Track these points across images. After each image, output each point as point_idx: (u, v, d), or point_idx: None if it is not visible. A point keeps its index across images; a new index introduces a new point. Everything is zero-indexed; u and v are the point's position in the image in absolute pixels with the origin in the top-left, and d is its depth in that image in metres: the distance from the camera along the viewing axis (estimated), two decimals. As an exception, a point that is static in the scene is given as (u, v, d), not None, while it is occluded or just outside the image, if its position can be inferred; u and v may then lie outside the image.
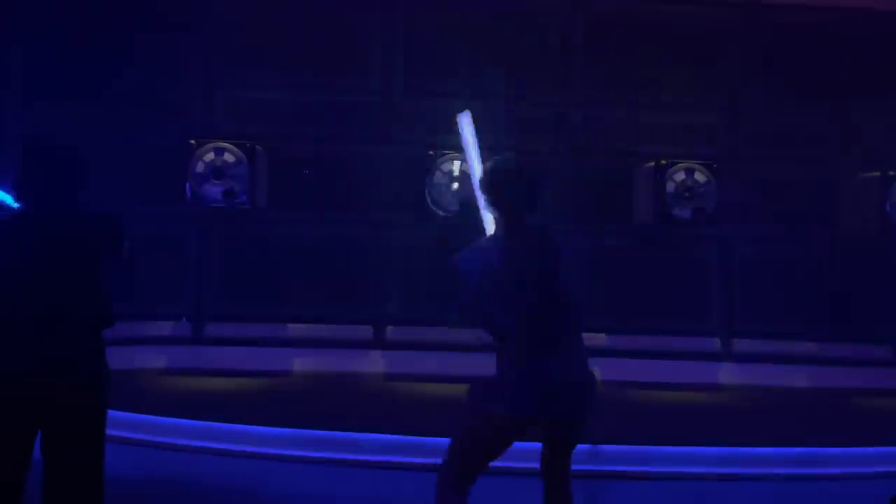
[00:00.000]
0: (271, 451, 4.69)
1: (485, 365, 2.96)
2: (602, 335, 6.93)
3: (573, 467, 4.46)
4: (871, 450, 4.92)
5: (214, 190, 6.27)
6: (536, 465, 3.04)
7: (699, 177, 6.48)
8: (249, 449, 4.71)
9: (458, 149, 6.57)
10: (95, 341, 2.82)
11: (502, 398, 2.83)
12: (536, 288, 2.82)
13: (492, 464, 2.94)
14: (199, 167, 6.25)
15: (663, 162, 6.52)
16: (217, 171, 6.25)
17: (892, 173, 6.53)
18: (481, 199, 3.03)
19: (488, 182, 2.94)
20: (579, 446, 4.38)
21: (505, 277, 2.83)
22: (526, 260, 2.85)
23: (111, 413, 5.01)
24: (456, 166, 6.47)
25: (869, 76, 6.93)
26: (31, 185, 2.78)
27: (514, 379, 2.84)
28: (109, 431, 4.92)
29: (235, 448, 4.73)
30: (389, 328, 6.93)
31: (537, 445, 3.02)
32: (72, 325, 2.72)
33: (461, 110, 3.77)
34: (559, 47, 6.93)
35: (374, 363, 6.68)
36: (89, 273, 2.79)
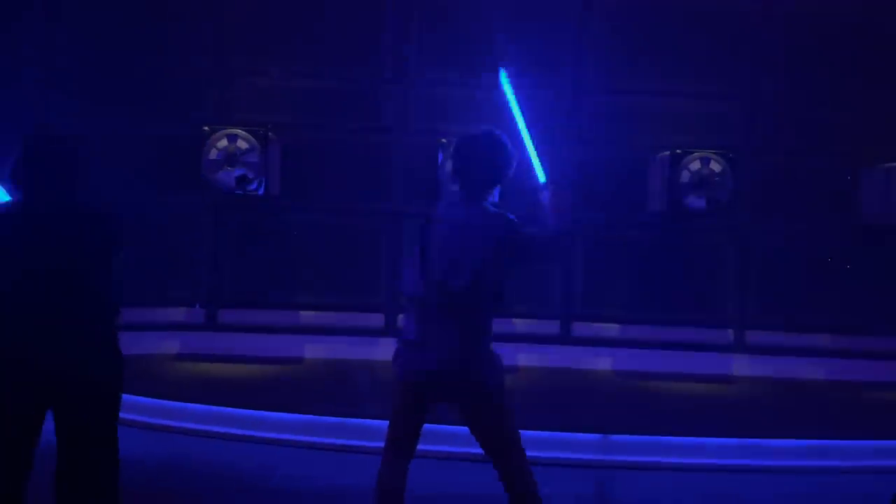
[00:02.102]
0: (282, 436, 4.72)
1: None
2: (615, 325, 6.91)
3: (581, 456, 4.45)
4: (885, 443, 4.88)
5: (228, 177, 6.28)
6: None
7: (715, 166, 6.42)
8: (260, 434, 4.74)
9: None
10: (103, 331, 2.79)
11: (393, 360, 2.95)
12: (449, 266, 2.77)
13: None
14: (213, 154, 6.26)
15: (678, 151, 6.47)
16: (230, 158, 6.26)
17: (911, 163, 6.44)
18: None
19: (453, 149, 2.92)
20: (586, 436, 4.35)
21: (430, 243, 2.82)
22: (452, 235, 2.79)
23: (124, 397, 5.09)
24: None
25: (889, 65, 6.83)
26: (26, 177, 2.71)
27: (400, 343, 2.93)
28: (121, 415, 5.00)
29: (247, 433, 4.76)
30: (400, 316, 6.93)
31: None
32: (72, 319, 2.67)
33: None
34: (574, 33, 6.87)
35: (386, 351, 6.66)
36: (87, 268, 2.72)
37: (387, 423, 2.96)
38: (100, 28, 6.55)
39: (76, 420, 2.74)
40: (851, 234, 6.88)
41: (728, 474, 4.59)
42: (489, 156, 2.82)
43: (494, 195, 2.88)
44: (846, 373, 6.65)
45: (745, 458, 4.71)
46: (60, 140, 2.80)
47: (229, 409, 4.90)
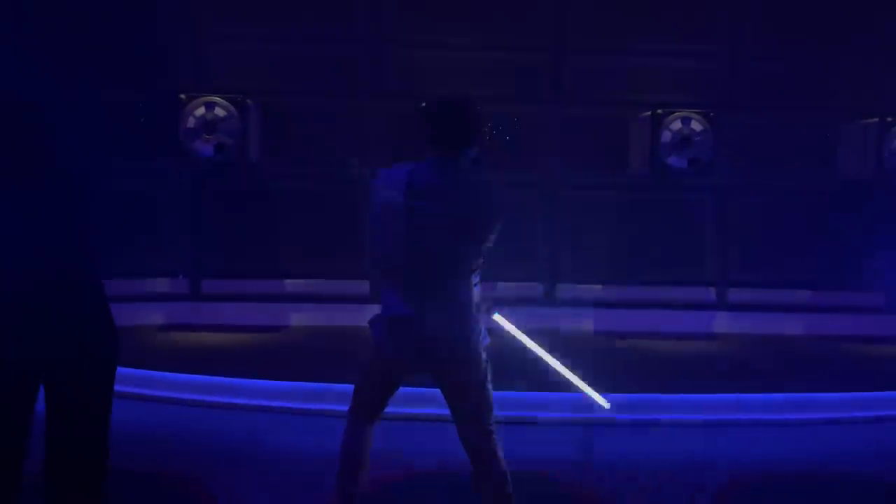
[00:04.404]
0: (269, 403, 4.75)
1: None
2: (597, 286, 6.95)
3: (565, 415, 4.50)
4: (860, 395, 4.98)
5: (206, 145, 6.20)
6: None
7: (696, 125, 6.41)
8: (247, 402, 4.76)
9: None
10: (93, 298, 2.71)
11: (373, 337, 2.87)
12: (429, 232, 2.69)
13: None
14: (190, 122, 6.18)
15: (660, 111, 6.45)
16: (208, 126, 6.18)
17: (890, 119, 6.46)
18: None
19: (423, 114, 2.83)
20: (569, 395, 4.37)
21: (403, 211, 2.69)
22: (432, 200, 2.69)
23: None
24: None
25: (868, 22, 6.81)
26: None
27: (381, 320, 2.84)
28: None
29: (234, 401, 4.78)
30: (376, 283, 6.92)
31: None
32: (61, 287, 2.60)
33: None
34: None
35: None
36: (63, 237, 2.59)
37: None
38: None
39: (68, 399, 2.65)
40: (830, 191, 6.93)
41: (711, 429, 4.67)
42: (459, 116, 2.78)
43: (470, 157, 2.81)
44: (825, 327, 6.76)
45: (728, 413, 4.79)
46: (19, 106, 2.56)
47: (215, 378, 4.91)
